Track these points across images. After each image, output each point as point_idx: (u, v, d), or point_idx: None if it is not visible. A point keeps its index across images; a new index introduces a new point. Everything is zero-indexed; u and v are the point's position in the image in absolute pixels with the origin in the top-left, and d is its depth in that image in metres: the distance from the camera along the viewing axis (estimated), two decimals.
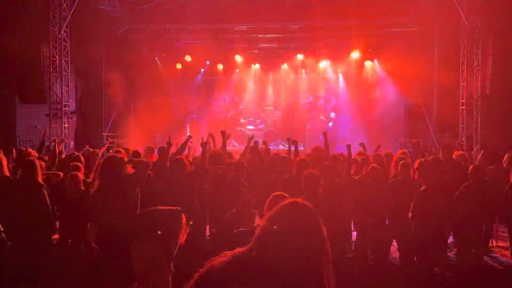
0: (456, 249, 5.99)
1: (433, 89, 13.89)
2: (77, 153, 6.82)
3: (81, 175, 5.51)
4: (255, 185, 5.96)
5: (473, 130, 11.76)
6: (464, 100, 11.92)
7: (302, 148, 7.65)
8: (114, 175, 4.14)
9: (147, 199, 4.50)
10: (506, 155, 6.16)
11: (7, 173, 4.89)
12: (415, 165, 5.23)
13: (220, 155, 6.47)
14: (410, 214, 4.89)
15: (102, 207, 4.01)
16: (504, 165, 6.09)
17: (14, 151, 7.45)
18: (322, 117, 17.18)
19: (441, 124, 13.50)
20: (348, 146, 6.01)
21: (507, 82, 10.87)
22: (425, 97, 14.28)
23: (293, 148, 6.90)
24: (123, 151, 6.66)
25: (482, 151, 6.87)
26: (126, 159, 5.19)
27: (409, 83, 14.43)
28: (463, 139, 11.76)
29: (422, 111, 14.34)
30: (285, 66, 17.09)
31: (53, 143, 7.68)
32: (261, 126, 17.58)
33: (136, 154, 7.09)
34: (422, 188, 4.94)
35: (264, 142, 8.23)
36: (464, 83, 11.90)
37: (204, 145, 5.68)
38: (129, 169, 4.38)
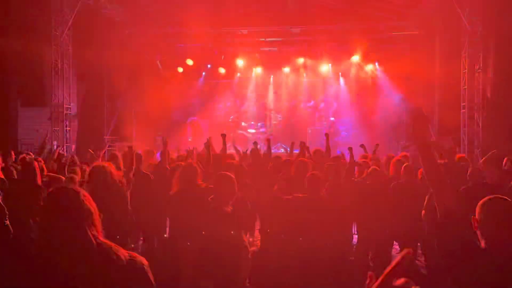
0: None
1: (435, 93, 13.86)
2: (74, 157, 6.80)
3: (77, 178, 5.46)
4: (256, 188, 5.92)
5: (474, 133, 11.72)
6: (466, 104, 11.88)
7: (297, 151, 7.51)
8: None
9: None
10: (505, 158, 6.13)
11: (1, 175, 4.84)
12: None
13: (220, 158, 6.45)
14: (423, 211, 4.88)
15: None
16: (506, 168, 6.06)
17: (13, 154, 7.42)
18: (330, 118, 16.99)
19: (442, 128, 13.45)
20: (350, 149, 6.00)
21: (509, 86, 10.83)
22: (426, 100, 14.25)
23: (296, 151, 6.82)
24: (118, 154, 6.64)
25: (490, 153, 6.84)
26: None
27: (410, 86, 14.41)
28: (465, 142, 11.72)
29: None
30: (286, 69, 17.09)
31: (54, 147, 7.69)
32: (262, 130, 17.57)
33: (137, 156, 7.06)
34: None
35: (268, 140, 8.00)
36: (466, 87, 11.86)
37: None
38: None
